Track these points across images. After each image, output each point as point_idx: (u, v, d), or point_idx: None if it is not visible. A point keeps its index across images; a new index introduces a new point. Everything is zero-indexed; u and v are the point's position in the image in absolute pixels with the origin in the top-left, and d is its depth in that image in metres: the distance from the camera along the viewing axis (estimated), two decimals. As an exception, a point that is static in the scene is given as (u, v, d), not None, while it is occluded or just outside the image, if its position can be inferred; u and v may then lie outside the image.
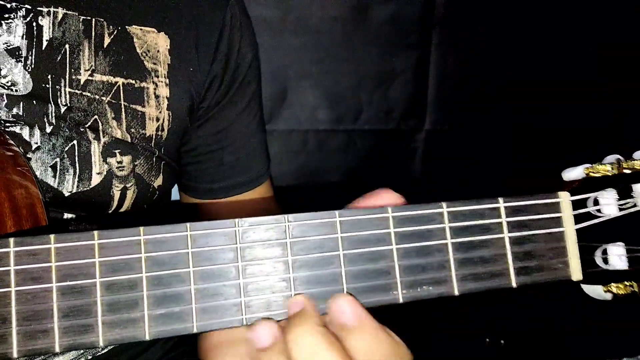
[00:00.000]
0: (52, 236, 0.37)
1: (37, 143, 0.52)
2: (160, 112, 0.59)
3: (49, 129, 0.53)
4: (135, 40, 0.57)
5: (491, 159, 1.43)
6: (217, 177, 0.70)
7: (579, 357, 1.36)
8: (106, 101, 0.55)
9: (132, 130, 0.57)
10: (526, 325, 1.41)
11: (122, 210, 0.59)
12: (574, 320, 1.39)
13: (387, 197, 0.40)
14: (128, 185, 0.58)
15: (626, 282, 0.40)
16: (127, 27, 0.57)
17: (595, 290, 0.41)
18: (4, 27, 0.51)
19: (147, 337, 0.37)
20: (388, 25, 1.36)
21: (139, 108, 0.57)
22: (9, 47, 0.51)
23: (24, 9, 0.52)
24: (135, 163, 0.58)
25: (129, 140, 0.57)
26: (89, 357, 0.62)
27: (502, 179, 1.35)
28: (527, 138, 1.44)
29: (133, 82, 0.57)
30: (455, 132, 1.45)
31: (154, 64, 0.58)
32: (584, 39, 1.39)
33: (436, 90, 1.42)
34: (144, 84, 0.57)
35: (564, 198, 0.41)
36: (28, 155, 0.51)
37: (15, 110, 0.51)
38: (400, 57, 1.39)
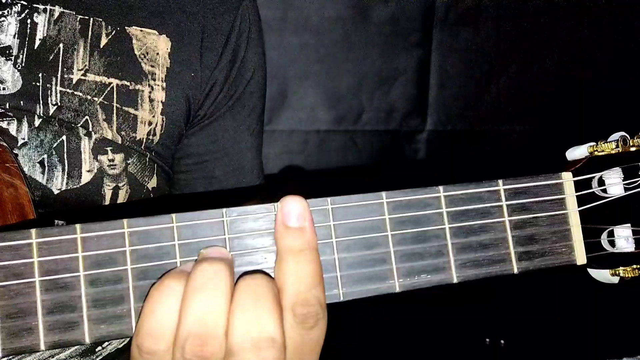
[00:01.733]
0: (33, 231, 0.35)
1: (24, 139, 0.51)
2: (153, 116, 0.57)
3: (37, 124, 0.52)
4: (134, 41, 0.56)
5: (493, 159, 1.41)
6: (204, 190, 0.68)
7: (579, 357, 1.34)
8: (98, 102, 0.54)
9: (123, 132, 0.56)
10: (526, 325, 1.40)
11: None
12: (574, 320, 1.38)
13: None
14: (120, 185, 0.56)
15: (634, 265, 0.38)
16: (126, 27, 0.56)
17: (602, 275, 0.39)
18: None
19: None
20: (388, 25, 1.35)
21: (131, 111, 0.56)
22: None
23: (19, 5, 0.51)
24: (128, 162, 0.56)
25: (120, 142, 0.56)
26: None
27: (504, 177, 1.33)
28: (528, 139, 1.42)
29: (128, 83, 0.55)
30: (457, 133, 1.44)
31: (152, 66, 0.57)
32: (583, 38, 1.38)
33: (438, 90, 1.40)
34: (138, 87, 0.56)
35: (567, 178, 0.39)
36: (14, 152, 0.50)
37: (1, 108, 0.51)
38: (401, 57, 1.37)
